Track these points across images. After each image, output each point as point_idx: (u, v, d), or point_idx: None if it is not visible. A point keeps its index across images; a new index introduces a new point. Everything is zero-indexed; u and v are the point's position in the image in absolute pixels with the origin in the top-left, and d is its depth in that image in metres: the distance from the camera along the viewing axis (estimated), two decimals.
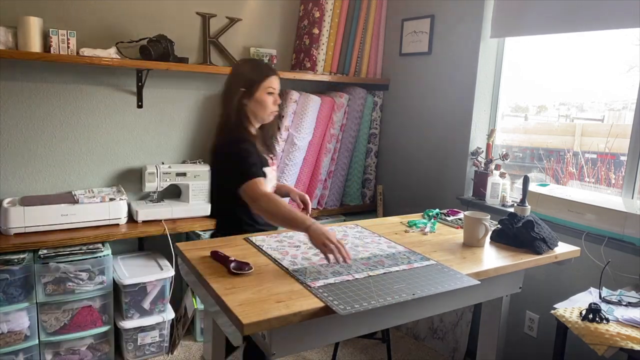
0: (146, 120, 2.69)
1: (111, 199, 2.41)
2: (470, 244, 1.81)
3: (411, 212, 2.28)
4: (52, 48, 2.23)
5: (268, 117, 1.85)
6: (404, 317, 1.51)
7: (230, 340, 1.34)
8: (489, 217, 1.81)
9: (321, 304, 1.25)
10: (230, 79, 1.85)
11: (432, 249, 1.73)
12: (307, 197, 1.99)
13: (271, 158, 1.92)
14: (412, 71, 2.99)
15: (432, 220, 2.09)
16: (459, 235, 1.92)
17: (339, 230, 1.91)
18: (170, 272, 2.49)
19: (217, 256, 1.53)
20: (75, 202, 2.33)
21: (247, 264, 1.46)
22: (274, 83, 1.82)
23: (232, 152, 1.73)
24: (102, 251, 2.30)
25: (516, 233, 1.79)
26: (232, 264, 1.45)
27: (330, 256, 1.47)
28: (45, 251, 2.20)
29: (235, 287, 1.33)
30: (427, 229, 1.97)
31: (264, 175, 1.73)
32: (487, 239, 1.86)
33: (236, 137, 1.78)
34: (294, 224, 1.55)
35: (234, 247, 1.66)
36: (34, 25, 2.17)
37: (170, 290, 2.52)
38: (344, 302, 1.26)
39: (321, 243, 1.47)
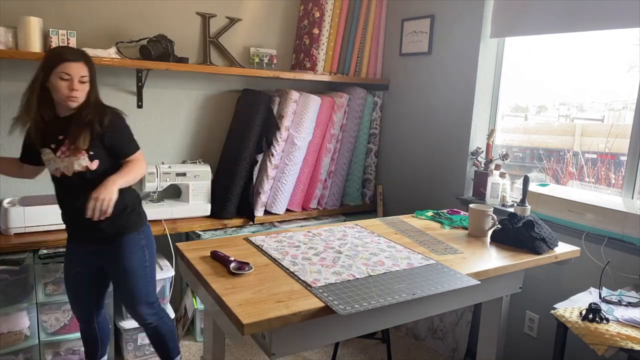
0: (146, 120, 2.69)
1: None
2: (477, 234, 1.92)
3: (411, 212, 2.28)
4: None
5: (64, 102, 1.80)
6: (404, 317, 1.51)
7: (229, 340, 1.34)
8: (492, 209, 1.94)
9: (321, 304, 1.25)
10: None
11: (433, 248, 1.73)
12: None
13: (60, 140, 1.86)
14: (412, 71, 2.99)
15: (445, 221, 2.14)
16: (455, 233, 1.93)
17: (338, 230, 1.91)
18: (170, 272, 2.49)
19: (217, 256, 1.53)
20: None
21: (247, 264, 1.46)
22: (67, 68, 1.75)
23: None
24: None
25: (516, 233, 1.80)
26: (232, 264, 1.45)
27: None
28: (45, 251, 2.19)
29: (235, 287, 1.33)
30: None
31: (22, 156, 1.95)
32: (489, 234, 1.91)
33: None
34: None
35: (234, 247, 1.66)
36: (34, 25, 2.17)
37: (170, 290, 2.52)
38: (344, 302, 1.26)
39: None
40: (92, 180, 1.80)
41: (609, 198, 2.21)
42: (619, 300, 1.74)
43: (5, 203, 2.26)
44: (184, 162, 2.82)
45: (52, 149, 1.84)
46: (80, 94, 1.79)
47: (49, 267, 2.18)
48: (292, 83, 3.01)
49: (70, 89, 1.75)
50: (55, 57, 1.77)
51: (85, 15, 2.43)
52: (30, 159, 1.97)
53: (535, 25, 2.37)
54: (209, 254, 1.56)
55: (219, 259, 1.51)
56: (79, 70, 1.77)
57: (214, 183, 2.74)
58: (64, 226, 2.30)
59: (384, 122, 3.24)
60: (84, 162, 1.82)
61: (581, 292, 1.85)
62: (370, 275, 1.45)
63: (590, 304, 1.62)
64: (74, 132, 1.81)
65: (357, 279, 1.42)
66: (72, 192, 1.86)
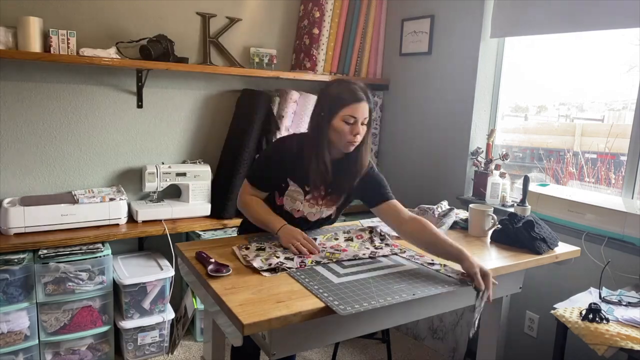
0: (146, 120, 2.69)
1: (111, 199, 2.41)
2: (477, 234, 1.91)
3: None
4: (52, 48, 2.23)
5: (344, 147, 1.62)
6: (404, 317, 1.51)
7: (229, 340, 1.34)
8: (492, 209, 1.93)
9: (321, 304, 1.25)
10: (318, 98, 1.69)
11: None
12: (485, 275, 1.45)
13: (320, 189, 1.70)
14: (412, 71, 2.99)
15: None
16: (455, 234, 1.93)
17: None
18: (170, 272, 2.49)
19: (200, 257, 1.51)
20: (75, 202, 2.33)
21: (226, 266, 1.43)
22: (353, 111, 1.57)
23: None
24: (102, 251, 2.30)
25: (516, 233, 1.79)
26: (210, 267, 1.42)
27: (301, 250, 1.57)
28: (45, 251, 2.19)
29: (235, 287, 1.33)
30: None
31: (257, 183, 1.71)
32: (489, 234, 1.91)
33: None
34: (268, 228, 1.68)
35: (232, 247, 1.65)
36: (34, 25, 2.17)
37: (170, 290, 2.52)
38: (344, 302, 1.26)
39: (288, 242, 1.60)
40: (322, 224, 1.84)
41: (609, 198, 2.21)
42: (619, 300, 1.74)
43: (5, 203, 2.26)
44: (184, 162, 2.82)
45: (305, 190, 1.69)
46: (360, 137, 1.60)
47: (49, 267, 2.18)
48: (292, 83, 3.01)
49: (353, 134, 1.57)
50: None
51: (85, 15, 2.43)
52: (267, 189, 1.72)
53: (535, 26, 2.37)
54: (194, 255, 1.54)
55: (201, 260, 1.50)
56: (364, 112, 1.58)
57: (214, 183, 2.74)
58: (64, 226, 2.31)
59: (384, 122, 3.24)
60: (329, 211, 1.78)
61: (581, 292, 1.85)
62: (371, 277, 1.45)
63: (590, 304, 1.62)
64: (339, 185, 1.69)
65: (357, 279, 1.42)
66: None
